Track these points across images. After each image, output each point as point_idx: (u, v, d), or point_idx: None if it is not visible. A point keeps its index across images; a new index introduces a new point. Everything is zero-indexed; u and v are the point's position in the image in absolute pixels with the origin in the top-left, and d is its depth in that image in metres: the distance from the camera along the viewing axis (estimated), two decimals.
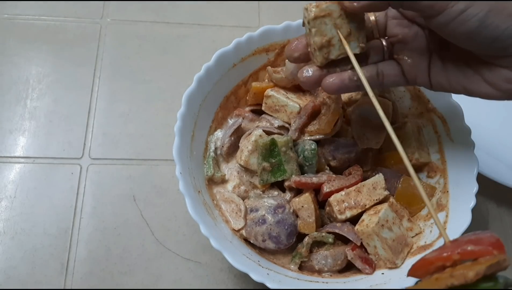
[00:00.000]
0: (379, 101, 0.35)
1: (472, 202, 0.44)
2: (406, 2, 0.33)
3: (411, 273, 0.33)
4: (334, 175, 0.47)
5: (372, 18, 0.40)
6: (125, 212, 0.52)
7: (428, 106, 0.50)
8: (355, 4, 0.35)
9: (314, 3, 0.36)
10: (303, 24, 0.38)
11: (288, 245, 0.45)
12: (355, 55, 0.37)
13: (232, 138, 0.49)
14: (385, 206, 0.44)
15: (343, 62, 0.38)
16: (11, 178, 0.53)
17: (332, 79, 0.38)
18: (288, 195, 0.47)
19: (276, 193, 0.47)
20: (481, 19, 0.31)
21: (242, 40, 0.49)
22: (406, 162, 0.34)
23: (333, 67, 0.39)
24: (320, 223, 0.47)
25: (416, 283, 0.40)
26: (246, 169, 0.47)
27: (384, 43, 0.40)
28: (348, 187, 0.45)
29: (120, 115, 0.58)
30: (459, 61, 0.36)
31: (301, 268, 0.45)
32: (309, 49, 0.39)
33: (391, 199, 0.46)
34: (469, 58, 0.35)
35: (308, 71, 0.39)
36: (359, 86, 0.38)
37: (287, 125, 0.49)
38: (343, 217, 0.44)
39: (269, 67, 0.50)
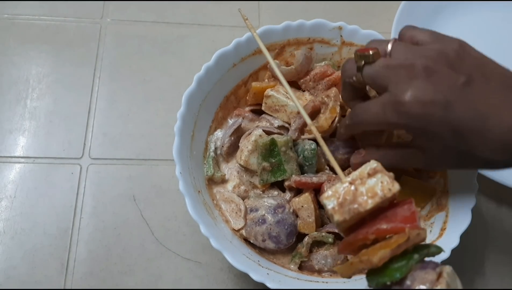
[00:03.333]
0: None
1: (472, 202, 0.44)
2: None
3: (339, 252, 0.35)
4: (334, 175, 0.47)
5: None
6: (125, 212, 0.52)
7: None
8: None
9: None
10: None
11: (288, 245, 0.45)
12: None
13: (232, 138, 0.49)
14: None
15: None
16: (11, 178, 0.53)
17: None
18: (288, 195, 0.47)
19: (276, 193, 0.47)
20: None
21: (242, 40, 0.49)
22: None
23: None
24: (320, 223, 0.47)
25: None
26: (246, 169, 0.47)
27: None
28: None
29: (120, 115, 0.58)
30: None
31: (301, 268, 0.45)
32: None
33: None
34: None
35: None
36: None
37: (287, 125, 0.49)
38: None
39: (276, 60, 0.50)
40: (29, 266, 0.49)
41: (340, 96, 0.44)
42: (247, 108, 0.52)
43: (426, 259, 0.32)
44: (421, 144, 0.38)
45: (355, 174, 0.33)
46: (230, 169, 0.49)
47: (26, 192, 0.52)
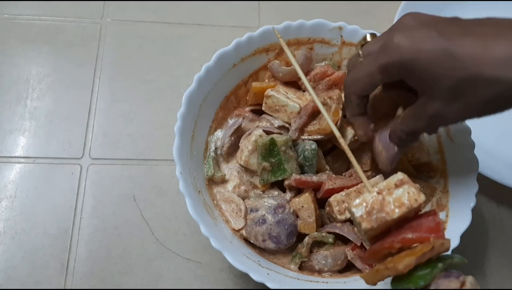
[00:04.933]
0: None
1: (472, 202, 0.44)
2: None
3: (365, 261, 0.36)
4: (334, 175, 0.47)
5: None
6: (125, 212, 0.52)
7: None
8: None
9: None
10: None
11: (288, 245, 0.45)
12: None
13: (232, 138, 0.49)
14: None
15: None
16: (11, 178, 0.53)
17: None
18: (288, 195, 0.47)
19: (276, 193, 0.47)
20: None
21: (242, 40, 0.49)
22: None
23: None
24: (320, 223, 0.47)
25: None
26: (246, 169, 0.47)
27: None
28: (348, 187, 0.45)
29: (120, 115, 0.58)
30: None
31: (301, 268, 0.45)
32: None
33: None
34: None
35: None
36: None
37: (287, 125, 0.49)
38: (343, 217, 0.44)
39: (275, 61, 0.50)
40: (29, 266, 0.49)
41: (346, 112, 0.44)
42: (247, 108, 0.52)
43: None
44: (423, 87, 0.35)
45: (382, 184, 0.34)
46: (230, 169, 0.49)
47: (26, 192, 0.52)
